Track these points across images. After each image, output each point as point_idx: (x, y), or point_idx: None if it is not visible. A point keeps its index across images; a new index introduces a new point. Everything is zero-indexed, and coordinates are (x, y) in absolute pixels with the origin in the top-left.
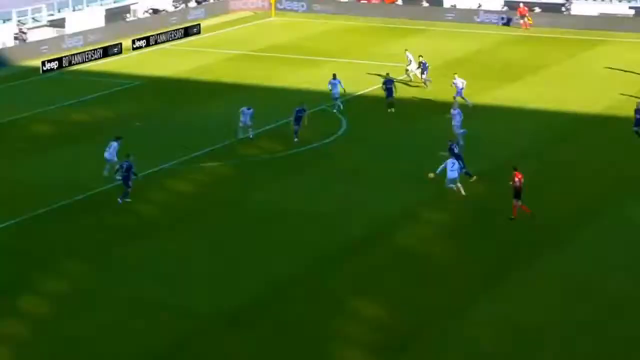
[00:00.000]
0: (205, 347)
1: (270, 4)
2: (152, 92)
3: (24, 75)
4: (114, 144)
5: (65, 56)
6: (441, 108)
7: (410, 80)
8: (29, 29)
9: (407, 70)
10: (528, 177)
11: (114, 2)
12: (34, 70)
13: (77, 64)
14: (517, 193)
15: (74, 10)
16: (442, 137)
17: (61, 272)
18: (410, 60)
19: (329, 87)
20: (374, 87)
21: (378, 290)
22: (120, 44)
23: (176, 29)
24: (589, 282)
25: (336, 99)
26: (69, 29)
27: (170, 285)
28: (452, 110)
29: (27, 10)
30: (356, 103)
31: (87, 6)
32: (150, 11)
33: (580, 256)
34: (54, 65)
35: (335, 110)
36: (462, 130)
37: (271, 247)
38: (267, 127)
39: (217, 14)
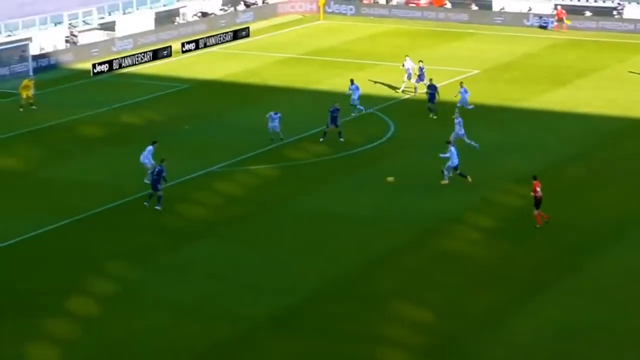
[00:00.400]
0: (252, 348)
1: (318, 8)
2: (201, 95)
3: (75, 78)
4: (150, 148)
5: (115, 59)
6: (488, 113)
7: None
8: (79, 32)
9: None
10: (577, 181)
11: (164, 5)
12: (85, 72)
13: (127, 66)
14: (537, 203)
15: (124, 14)
16: (489, 143)
17: (110, 274)
18: (407, 68)
19: (349, 92)
20: (421, 91)
21: (423, 294)
22: (170, 46)
23: (225, 32)
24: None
25: (355, 105)
26: (119, 32)
27: (219, 287)
28: (455, 119)
29: (78, 13)
30: (404, 107)
31: (137, 9)
32: (200, 14)
33: (628, 263)
34: (105, 67)
35: (354, 114)
36: (469, 141)
37: (317, 250)
38: (314, 131)
39: (265, 17)
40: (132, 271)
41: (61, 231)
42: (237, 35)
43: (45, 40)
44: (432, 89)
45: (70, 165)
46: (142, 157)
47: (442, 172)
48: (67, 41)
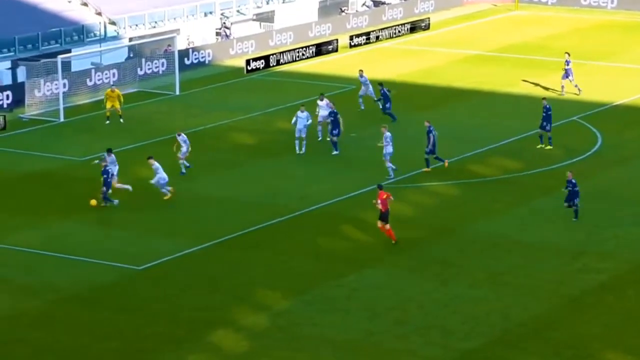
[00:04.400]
0: None
1: None
2: (369, 97)
3: (226, 77)
4: None
5: (272, 54)
6: None
7: None
8: (232, 23)
9: None
10: None
11: None
12: (237, 70)
13: (285, 63)
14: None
15: (283, 3)
16: None
17: (260, 304)
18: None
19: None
20: (635, 96)
21: (627, 339)
22: (336, 40)
23: (401, 24)
24: None
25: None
26: (278, 23)
27: (385, 324)
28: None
29: (231, 2)
30: (614, 115)
31: None
32: (371, 4)
33: None
34: (260, 64)
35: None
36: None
37: (502, 284)
38: (503, 142)
39: (449, 7)
40: (285, 302)
41: (205, 254)
42: (415, 28)
43: (194, 32)
44: None
45: (215, 178)
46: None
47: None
48: (217, 34)
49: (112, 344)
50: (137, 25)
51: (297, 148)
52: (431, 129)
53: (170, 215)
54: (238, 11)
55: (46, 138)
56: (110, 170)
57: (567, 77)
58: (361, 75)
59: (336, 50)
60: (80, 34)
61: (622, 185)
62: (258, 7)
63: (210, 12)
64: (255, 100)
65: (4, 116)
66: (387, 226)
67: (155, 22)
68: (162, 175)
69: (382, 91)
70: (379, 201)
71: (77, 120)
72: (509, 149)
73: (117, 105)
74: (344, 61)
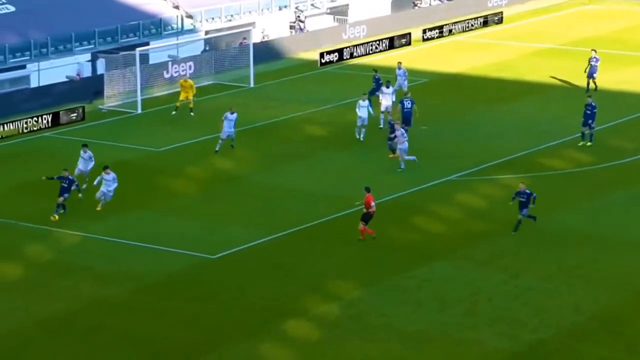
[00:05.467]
0: None
1: None
2: (442, 90)
3: (300, 69)
4: None
5: (346, 47)
6: None
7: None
8: (306, 17)
9: None
10: None
11: None
12: (311, 63)
13: (358, 56)
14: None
15: None
16: None
17: (332, 294)
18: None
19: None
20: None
21: None
22: (409, 34)
23: (474, 18)
24: None
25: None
26: (352, 17)
27: (454, 316)
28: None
29: None
30: None
31: None
32: None
33: None
34: (334, 57)
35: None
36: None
37: (572, 278)
38: (577, 135)
39: (522, 1)
40: (356, 292)
41: (278, 243)
42: (488, 21)
43: (269, 26)
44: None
45: (288, 169)
46: None
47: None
48: (292, 27)
49: (187, 332)
50: (213, 19)
51: (357, 135)
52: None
53: (244, 206)
54: (312, 5)
55: (124, 129)
56: (70, 178)
57: (592, 74)
58: (399, 67)
59: (409, 44)
60: (157, 27)
61: None
62: (332, 0)
63: (285, 6)
64: (328, 92)
65: (83, 107)
66: (361, 225)
67: (231, 16)
68: (110, 188)
69: (375, 77)
70: (371, 203)
71: (154, 111)
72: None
73: (190, 96)
74: (417, 54)
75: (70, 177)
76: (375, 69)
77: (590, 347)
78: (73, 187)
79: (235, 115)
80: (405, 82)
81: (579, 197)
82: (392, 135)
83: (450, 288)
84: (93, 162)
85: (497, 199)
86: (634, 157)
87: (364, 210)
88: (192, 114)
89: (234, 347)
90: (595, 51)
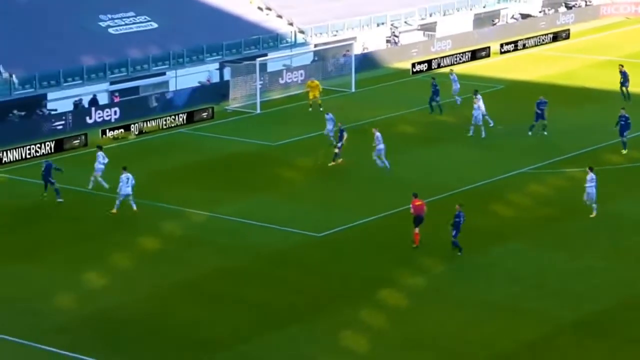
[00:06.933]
0: (556, 351)
1: None
2: (516, 95)
3: (394, 77)
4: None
5: (434, 59)
6: None
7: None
8: (401, 32)
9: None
10: None
11: (484, 7)
12: (404, 72)
13: (445, 66)
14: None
15: (444, 15)
16: None
17: (420, 268)
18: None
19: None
20: None
21: None
22: (489, 47)
23: (544, 34)
24: None
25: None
26: (439, 32)
27: (524, 288)
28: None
29: (400, 14)
30: None
31: (457, 11)
32: (519, 16)
33: None
34: (424, 67)
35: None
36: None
37: (628, 257)
38: (634, 135)
39: (586, 20)
40: (440, 267)
41: (375, 225)
42: (556, 37)
43: (368, 40)
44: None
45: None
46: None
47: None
48: (388, 41)
49: (296, 299)
50: (321, 34)
51: (471, 132)
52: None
53: (347, 192)
54: (405, 22)
55: (246, 126)
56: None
57: (624, 84)
58: (451, 73)
59: (488, 56)
60: (275, 40)
61: None
62: (422, 18)
63: (383, 23)
64: (418, 96)
65: (212, 108)
66: (416, 230)
67: (336, 31)
68: (126, 187)
69: (433, 84)
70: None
71: (271, 112)
72: (638, 142)
73: (317, 94)
74: (495, 65)
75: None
76: (434, 77)
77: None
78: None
79: (330, 115)
80: (457, 85)
81: (635, 187)
82: (340, 144)
83: (520, 265)
84: (107, 160)
85: (564, 189)
86: None
87: (413, 214)
88: (321, 109)
89: (337, 312)
90: (622, 65)
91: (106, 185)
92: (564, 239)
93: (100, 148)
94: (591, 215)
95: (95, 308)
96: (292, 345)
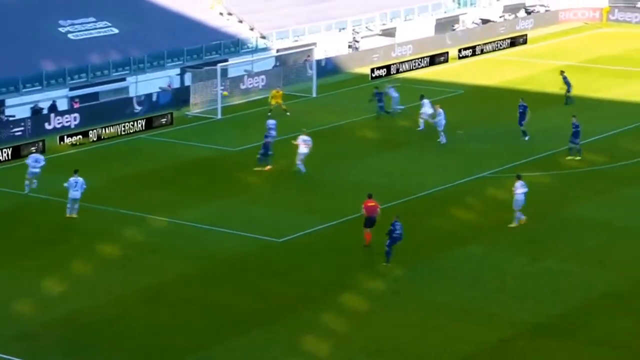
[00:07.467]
0: (517, 354)
1: (601, 15)
2: (475, 100)
3: (356, 82)
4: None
5: (393, 64)
6: None
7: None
8: (362, 37)
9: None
10: None
11: (444, 12)
12: (364, 77)
13: (404, 71)
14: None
15: (405, 20)
16: None
17: (380, 272)
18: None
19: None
20: None
21: None
22: (447, 52)
23: (502, 39)
24: None
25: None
26: (400, 38)
27: (484, 291)
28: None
29: (361, 19)
30: None
31: (418, 16)
32: (479, 22)
33: None
34: (382, 72)
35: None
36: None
37: (588, 260)
38: (593, 139)
39: (545, 25)
40: (399, 270)
41: (335, 229)
42: (514, 42)
43: (329, 45)
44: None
45: (344, 166)
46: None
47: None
48: (349, 46)
49: (257, 303)
50: (282, 39)
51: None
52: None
53: (306, 197)
54: (366, 27)
55: (206, 132)
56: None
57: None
58: (387, 86)
59: (447, 61)
60: (236, 45)
61: None
62: (383, 24)
63: (344, 28)
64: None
65: (171, 113)
66: (368, 230)
67: (298, 36)
68: (74, 190)
69: (375, 92)
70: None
71: (232, 117)
72: (596, 145)
73: (281, 102)
74: (454, 70)
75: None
76: (377, 86)
77: (600, 320)
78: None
79: (273, 122)
80: (396, 94)
81: (594, 191)
82: (263, 151)
83: (480, 269)
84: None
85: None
86: None
87: (365, 215)
88: (287, 114)
89: (297, 317)
90: (563, 71)
91: (28, 189)
92: (523, 243)
93: (36, 151)
94: (510, 225)
95: (55, 314)
96: (253, 350)
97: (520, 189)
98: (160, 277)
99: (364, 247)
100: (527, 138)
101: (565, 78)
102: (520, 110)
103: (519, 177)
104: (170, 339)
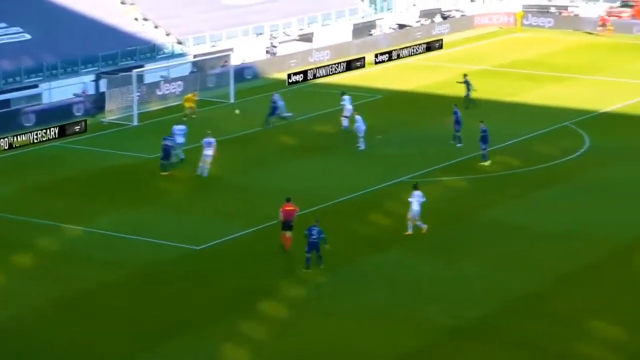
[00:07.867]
0: (438, 358)
1: (515, 20)
2: (392, 105)
3: (274, 87)
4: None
5: (310, 69)
6: None
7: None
8: (279, 42)
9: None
10: None
11: (362, 17)
12: (281, 82)
13: (321, 77)
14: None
15: (322, 25)
16: None
17: (300, 278)
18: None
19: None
20: (619, 105)
21: (614, 312)
22: (364, 58)
23: (418, 44)
24: None
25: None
26: (317, 43)
27: (404, 296)
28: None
29: (278, 24)
30: (601, 121)
31: (336, 21)
32: (396, 26)
33: None
34: (299, 78)
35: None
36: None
37: (506, 263)
38: (507, 143)
39: (461, 30)
40: (321, 277)
41: (255, 236)
42: (430, 47)
43: (247, 50)
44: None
45: (264, 172)
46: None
47: None
48: (267, 52)
49: (175, 312)
50: (199, 44)
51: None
52: None
53: (225, 204)
54: (284, 32)
55: (122, 139)
56: None
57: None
58: (274, 94)
59: (363, 66)
60: (152, 51)
61: (605, 177)
62: (301, 29)
63: (261, 33)
64: (297, 107)
65: (85, 120)
66: (288, 234)
67: (215, 42)
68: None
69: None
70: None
71: (149, 124)
72: (511, 149)
73: (194, 107)
74: (370, 75)
75: None
76: (276, 91)
77: (518, 322)
78: None
79: (183, 127)
80: (281, 102)
81: (509, 195)
82: (163, 155)
83: (399, 273)
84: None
85: (440, 197)
86: (557, 160)
87: (282, 219)
88: (194, 116)
89: (216, 325)
90: (466, 75)
91: None
92: (441, 247)
93: None
94: (405, 233)
95: None
96: (173, 359)
97: (416, 199)
98: (76, 286)
99: (284, 254)
100: (459, 145)
101: (467, 82)
102: (455, 118)
103: (415, 187)
104: (86, 349)
